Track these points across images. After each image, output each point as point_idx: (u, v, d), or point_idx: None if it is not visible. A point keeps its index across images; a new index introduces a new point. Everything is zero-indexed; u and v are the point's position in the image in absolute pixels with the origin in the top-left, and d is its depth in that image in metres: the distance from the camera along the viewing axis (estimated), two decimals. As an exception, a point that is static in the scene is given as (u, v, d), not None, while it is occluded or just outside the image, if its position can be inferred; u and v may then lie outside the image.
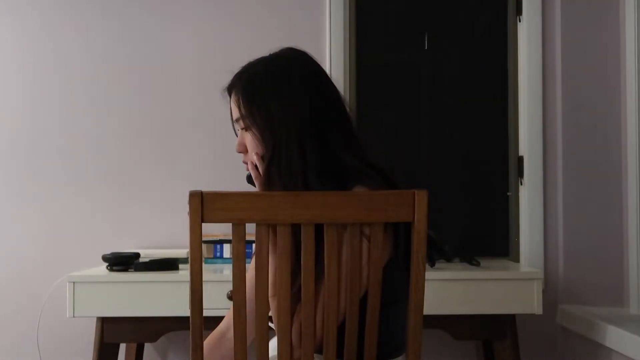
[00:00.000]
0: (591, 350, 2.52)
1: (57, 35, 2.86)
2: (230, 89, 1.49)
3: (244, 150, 1.49)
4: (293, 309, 1.30)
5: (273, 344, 1.36)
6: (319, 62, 1.51)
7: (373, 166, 1.41)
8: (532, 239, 2.82)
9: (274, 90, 1.42)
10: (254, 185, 1.48)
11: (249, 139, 1.46)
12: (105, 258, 2.42)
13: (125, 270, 2.39)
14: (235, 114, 1.47)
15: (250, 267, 1.35)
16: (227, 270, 2.43)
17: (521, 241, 2.87)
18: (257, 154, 1.43)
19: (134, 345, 2.66)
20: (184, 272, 2.40)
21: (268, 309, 1.32)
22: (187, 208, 1.26)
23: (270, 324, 1.35)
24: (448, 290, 2.33)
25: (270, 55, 1.49)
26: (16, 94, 2.86)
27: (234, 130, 1.52)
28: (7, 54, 2.87)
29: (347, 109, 1.49)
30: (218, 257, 2.60)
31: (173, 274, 2.38)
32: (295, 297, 1.30)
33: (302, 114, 1.40)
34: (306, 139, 1.39)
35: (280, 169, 1.38)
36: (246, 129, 1.46)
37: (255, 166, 1.44)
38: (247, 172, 1.50)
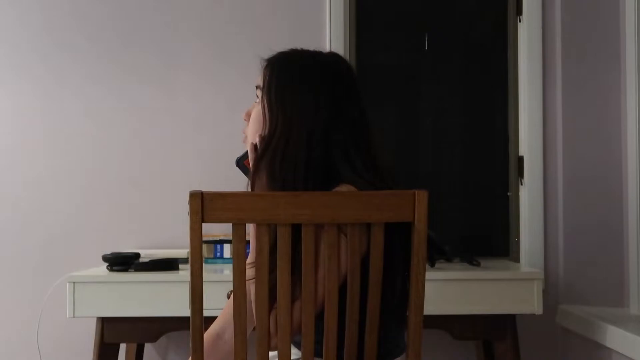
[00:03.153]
0: (591, 350, 2.52)
1: (58, 37, 2.86)
2: (268, 60, 1.50)
3: (247, 119, 1.53)
4: (273, 300, 1.30)
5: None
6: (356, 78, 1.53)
7: (365, 178, 1.40)
8: (532, 239, 2.82)
9: (303, 83, 1.44)
10: (242, 170, 1.50)
11: (255, 111, 1.49)
12: (105, 258, 2.42)
13: (125, 270, 2.39)
14: (259, 81, 1.50)
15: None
16: (227, 270, 2.43)
17: (521, 241, 2.87)
18: (259, 135, 1.44)
19: (134, 345, 2.66)
20: (184, 272, 2.40)
21: (268, 309, 1.31)
22: (187, 208, 1.26)
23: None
24: (448, 290, 2.33)
25: (317, 51, 1.52)
26: (16, 93, 2.86)
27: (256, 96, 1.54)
28: (11, 55, 2.87)
29: (367, 118, 1.50)
30: (218, 257, 2.60)
31: (173, 274, 2.38)
32: (275, 289, 1.30)
33: (320, 122, 1.41)
34: (314, 145, 1.40)
35: (283, 166, 1.38)
36: (259, 99, 1.48)
37: (254, 148, 1.44)
38: (237, 156, 1.52)
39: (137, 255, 2.46)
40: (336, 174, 1.41)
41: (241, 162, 1.51)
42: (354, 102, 1.48)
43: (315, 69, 1.46)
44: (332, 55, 1.54)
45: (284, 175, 1.38)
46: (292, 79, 1.45)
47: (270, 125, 1.43)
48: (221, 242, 2.60)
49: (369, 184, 1.39)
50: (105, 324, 2.35)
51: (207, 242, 2.56)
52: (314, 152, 1.40)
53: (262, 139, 1.43)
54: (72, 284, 2.29)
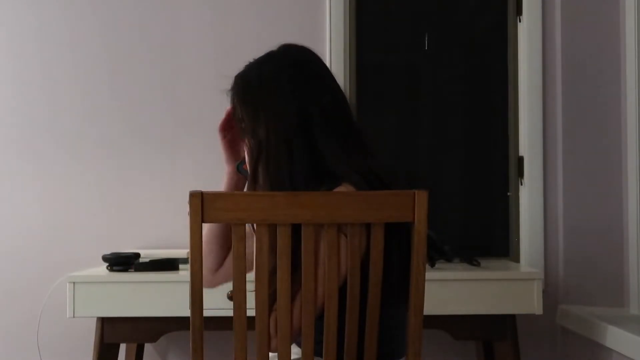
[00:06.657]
0: (591, 350, 2.52)
1: (58, 37, 2.87)
2: (230, 90, 1.51)
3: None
4: (273, 302, 1.30)
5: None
6: (320, 55, 1.51)
7: (361, 172, 1.40)
8: (532, 238, 2.82)
9: (262, 95, 1.44)
10: (243, 175, 1.52)
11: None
12: (105, 258, 2.42)
13: (126, 270, 2.39)
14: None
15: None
16: (227, 270, 2.43)
17: (521, 241, 2.87)
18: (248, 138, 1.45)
19: (134, 345, 2.66)
20: (184, 272, 2.40)
21: (268, 309, 1.31)
22: (187, 208, 1.26)
23: None
24: (448, 290, 2.33)
25: (265, 55, 1.50)
26: (18, 93, 2.86)
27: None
28: (6, 51, 2.87)
29: (347, 106, 1.49)
30: (218, 257, 2.59)
31: (173, 274, 2.38)
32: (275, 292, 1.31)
33: (290, 118, 1.41)
34: (294, 142, 1.40)
35: (267, 169, 1.39)
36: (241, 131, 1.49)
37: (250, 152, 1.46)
38: (237, 161, 1.53)
39: (137, 255, 2.46)
40: (325, 166, 1.40)
41: (241, 167, 1.52)
42: (320, 86, 1.46)
43: (269, 72, 1.45)
44: (284, 50, 1.50)
45: (270, 182, 1.38)
46: (255, 96, 1.44)
47: (252, 143, 1.43)
48: (221, 242, 2.59)
49: (362, 176, 1.38)
50: (105, 324, 2.35)
51: (207, 242, 2.56)
52: (297, 151, 1.39)
53: (250, 144, 1.44)
54: (72, 284, 2.29)
